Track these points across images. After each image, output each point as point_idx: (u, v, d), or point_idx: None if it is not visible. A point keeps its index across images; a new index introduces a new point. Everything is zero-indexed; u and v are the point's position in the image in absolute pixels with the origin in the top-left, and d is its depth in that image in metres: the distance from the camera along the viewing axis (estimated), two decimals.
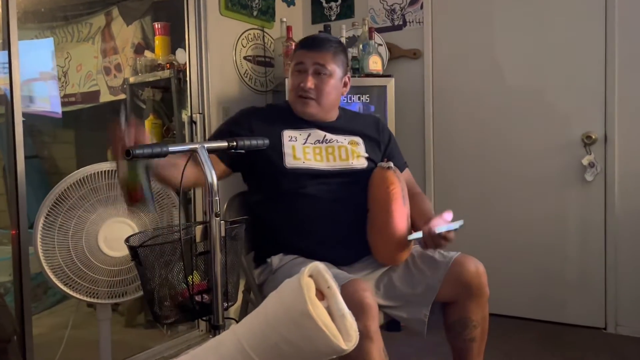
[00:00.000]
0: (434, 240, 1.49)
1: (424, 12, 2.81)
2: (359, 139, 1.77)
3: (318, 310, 0.77)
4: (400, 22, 2.87)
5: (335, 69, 1.71)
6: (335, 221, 1.65)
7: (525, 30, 2.60)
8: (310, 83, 1.67)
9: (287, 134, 1.69)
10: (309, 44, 1.73)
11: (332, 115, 1.78)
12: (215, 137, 1.74)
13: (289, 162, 1.65)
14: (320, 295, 0.79)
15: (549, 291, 2.60)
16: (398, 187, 1.58)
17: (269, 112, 1.80)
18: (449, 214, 1.52)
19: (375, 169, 1.69)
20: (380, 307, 1.50)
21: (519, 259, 2.65)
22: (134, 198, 1.28)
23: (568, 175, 2.53)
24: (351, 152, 1.72)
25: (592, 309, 2.52)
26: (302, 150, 1.67)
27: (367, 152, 1.76)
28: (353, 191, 1.67)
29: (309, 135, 1.71)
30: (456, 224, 1.49)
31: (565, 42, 2.51)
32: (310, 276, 0.80)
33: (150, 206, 1.34)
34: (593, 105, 2.46)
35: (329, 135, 1.73)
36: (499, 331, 2.09)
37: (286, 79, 2.51)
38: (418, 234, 1.51)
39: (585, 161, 2.45)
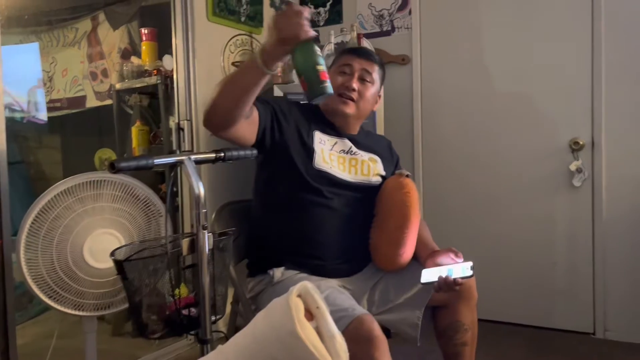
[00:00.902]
0: (448, 286, 1.45)
1: (413, 18, 2.81)
2: (377, 158, 1.78)
3: (307, 330, 0.76)
4: (389, 28, 2.87)
5: (377, 80, 1.73)
6: (344, 234, 1.64)
7: (513, 36, 2.61)
8: (355, 84, 1.67)
9: (317, 135, 1.67)
10: (358, 51, 1.77)
11: (356, 128, 1.78)
12: (261, 101, 1.56)
13: (318, 162, 1.62)
14: (309, 315, 0.78)
15: (538, 296, 2.61)
16: (416, 194, 1.62)
17: (303, 109, 1.73)
18: (456, 255, 1.53)
19: (388, 177, 1.72)
20: (375, 315, 1.50)
21: (507, 264, 2.66)
22: (325, 75, 1.25)
23: (556, 180, 2.54)
24: (372, 169, 1.73)
25: (580, 314, 2.53)
26: (328, 155, 1.66)
27: (384, 170, 1.77)
28: (365, 206, 1.69)
29: (335, 143, 1.70)
30: (468, 269, 1.47)
31: (553, 48, 2.52)
32: (299, 296, 0.79)
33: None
34: (580, 111, 2.48)
35: (354, 148, 1.73)
36: (488, 337, 2.09)
37: (274, 85, 2.50)
38: (432, 278, 1.46)
39: (572, 167, 2.47)
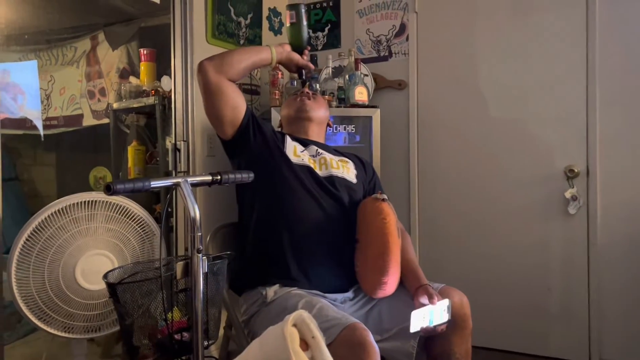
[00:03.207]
0: (429, 333, 1.55)
1: (410, 44, 2.84)
2: (347, 159, 1.93)
3: None
4: (386, 53, 2.90)
5: (321, 98, 2.03)
6: (330, 241, 1.69)
7: (509, 63, 2.64)
8: (306, 90, 1.99)
9: (288, 139, 1.85)
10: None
11: (321, 137, 1.99)
12: (249, 114, 1.81)
13: (291, 156, 1.78)
14: (305, 345, 0.77)
15: (533, 324, 2.59)
16: (393, 219, 1.63)
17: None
18: (431, 299, 1.55)
19: (365, 198, 1.77)
20: None
21: (502, 291, 2.65)
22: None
23: (551, 207, 2.54)
24: (342, 166, 1.86)
25: (575, 341, 2.51)
26: (300, 152, 1.83)
27: (355, 169, 1.89)
28: (345, 209, 1.75)
29: (304, 150, 1.85)
30: (445, 312, 1.53)
31: (548, 75, 2.55)
32: (295, 325, 0.78)
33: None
34: (575, 139, 2.50)
35: (320, 150, 1.88)
36: None
37: (272, 108, 2.51)
38: (417, 328, 1.51)
39: (567, 194, 2.47)
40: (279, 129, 2.05)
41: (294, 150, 1.80)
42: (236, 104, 1.71)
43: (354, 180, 1.84)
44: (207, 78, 1.63)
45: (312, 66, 1.86)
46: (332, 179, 1.78)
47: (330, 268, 1.66)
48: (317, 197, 1.71)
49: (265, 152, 1.76)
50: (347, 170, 1.86)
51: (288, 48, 1.78)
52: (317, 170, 1.79)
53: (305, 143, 1.89)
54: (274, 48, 1.75)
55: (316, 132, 1.95)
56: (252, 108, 2.63)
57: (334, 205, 1.73)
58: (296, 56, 1.78)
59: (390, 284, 1.59)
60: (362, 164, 1.97)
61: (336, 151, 1.97)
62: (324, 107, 2.00)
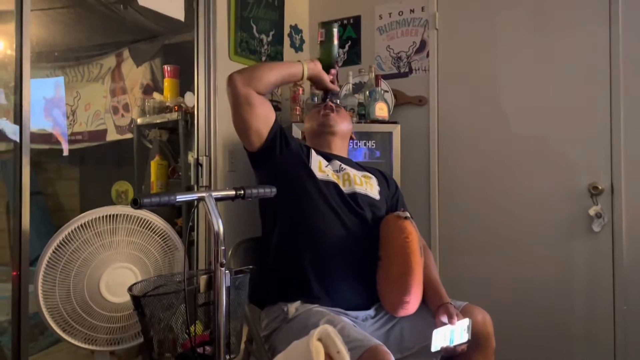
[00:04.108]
0: (450, 353, 1.55)
1: (430, 60, 2.85)
2: (370, 174, 1.92)
3: None
4: (407, 70, 2.91)
5: (345, 112, 2.04)
6: (353, 258, 1.68)
7: (531, 79, 2.62)
8: (329, 105, 1.95)
9: (313, 153, 1.85)
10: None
11: (344, 151, 1.99)
12: (277, 127, 1.81)
13: (316, 171, 1.78)
14: (330, 359, 0.77)
15: (557, 344, 2.54)
16: (415, 238, 1.61)
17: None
18: (451, 319, 1.54)
19: (388, 214, 1.76)
20: None
21: (524, 309, 2.60)
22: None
23: (575, 225, 2.50)
24: (366, 182, 1.85)
25: None
26: (325, 167, 1.82)
27: (379, 185, 1.88)
28: (368, 228, 1.73)
29: (327, 165, 1.84)
30: (465, 331, 1.53)
31: (571, 91, 2.53)
32: (320, 339, 0.78)
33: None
34: (599, 156, 2.46)
35: (344, 166, 1.86)
36: None
37: (293, 124, 2.53)
38: (438, 347, 1.50)
39: (592, 212, 2.44)
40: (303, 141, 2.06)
41: (319, 166, 1.79)
42: (264, 117, 1.73)
43: (377, 197, 1.82)
44: (236, 90, 1.66)
45: (337, 89, 1.89)
46: (355, 196, 1.77)
47: (352, 285, 1.65)
48: (340, 214, 1.71)
49: (291, 166, 1.76)
50: (371, 187, 1.84)
51: (319, 65, 1.81)
52: (341, 186, 1.78)
53: (329, 158, 1.88)
54: (306, 64, 1.77)
55: (339, 146, 1.94)
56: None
57: (356, 223, 1.72)
58: (325, 76, 1.81)
59: (413, 303, 1.58)
60: (386, 179, 1.96)
61: (359, 166, 1.96)
62: (347, 120, 1.99)
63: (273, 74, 1.72)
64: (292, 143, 1.82)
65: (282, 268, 1.69)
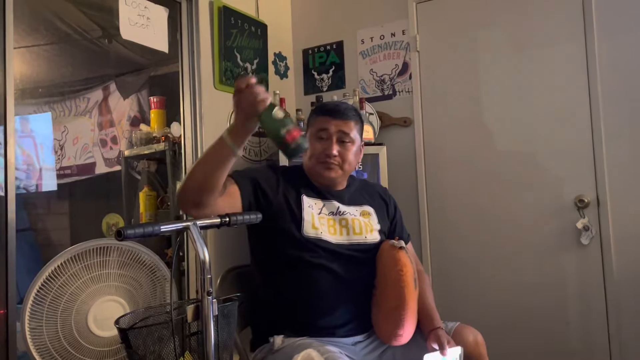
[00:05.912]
0: None
1: (413, 82, 2.89)
2: (370, 209, 1.78)
3: None
4: (390, 92, 2.95)
5: (357, 137, 1.74)
6: (344, 297, 1.63)
7: (512, 97, 2.66)
8: (335, 149, 1.68)
9: (305, 201, 1.68)
10: (332, 112, 1.72)
11: (343, 183, 1.79)
12: (240, 175, 1.63)
13: (307, 229, 1.63)
14: None
15: (552, 359, 2.53)
16: (410, 270, 1.57)
17: (290, 174, 1.76)
18: (442, 348, 1.53)
19: (384, 242, 1.69)
20: None
21: (518, 327, 2.59)
22: (293, 136, 1.29)
23: (564, 239, 2.52)
24: (365, 226, 1.71)
25: None
26: (318, 220, 1.66)
27: (379, 222, 1.77)
28: (365, 267, 1.67)
29: (323, 206, 1.71)
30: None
31: (552, 108, 2.57)
32: None
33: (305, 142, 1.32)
34: (583, 169, 2.49)
35: (342, 207, 1.72)
36: None
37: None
38: None
39: (579, 224, 2.45)
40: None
41: (312, 219, 1.64)
42: (228, 204, 1.50)
43: (377, 239, 1.72)
44: (188, 213, 1.47)
45: (253, 80, 1.37)
46: (351, 247, 1.67)
47: (343, 314, 1.62)
48: (332, 268, 1.62)
49: (278, 220, 1.63)
50: (370, 231, 1.72)
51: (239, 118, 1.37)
52: (337, 236, 1.66)
53: (326, 196, 1.73)
54: (225, 132, 1.39)
55: (342, 179, 1.77)
56: (260, 152, 2.59)
57: (351, 269, 1.64)
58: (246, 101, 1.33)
59: (406, 335, 1.56)
60: (385, 204, 1.85)
61: (359, 194, 1.81)
62: (353, 153, 1.73)
63: (197, 173, 1.40)
64: (275, 199, 1.63)
65: (270, 298, 1.67)
